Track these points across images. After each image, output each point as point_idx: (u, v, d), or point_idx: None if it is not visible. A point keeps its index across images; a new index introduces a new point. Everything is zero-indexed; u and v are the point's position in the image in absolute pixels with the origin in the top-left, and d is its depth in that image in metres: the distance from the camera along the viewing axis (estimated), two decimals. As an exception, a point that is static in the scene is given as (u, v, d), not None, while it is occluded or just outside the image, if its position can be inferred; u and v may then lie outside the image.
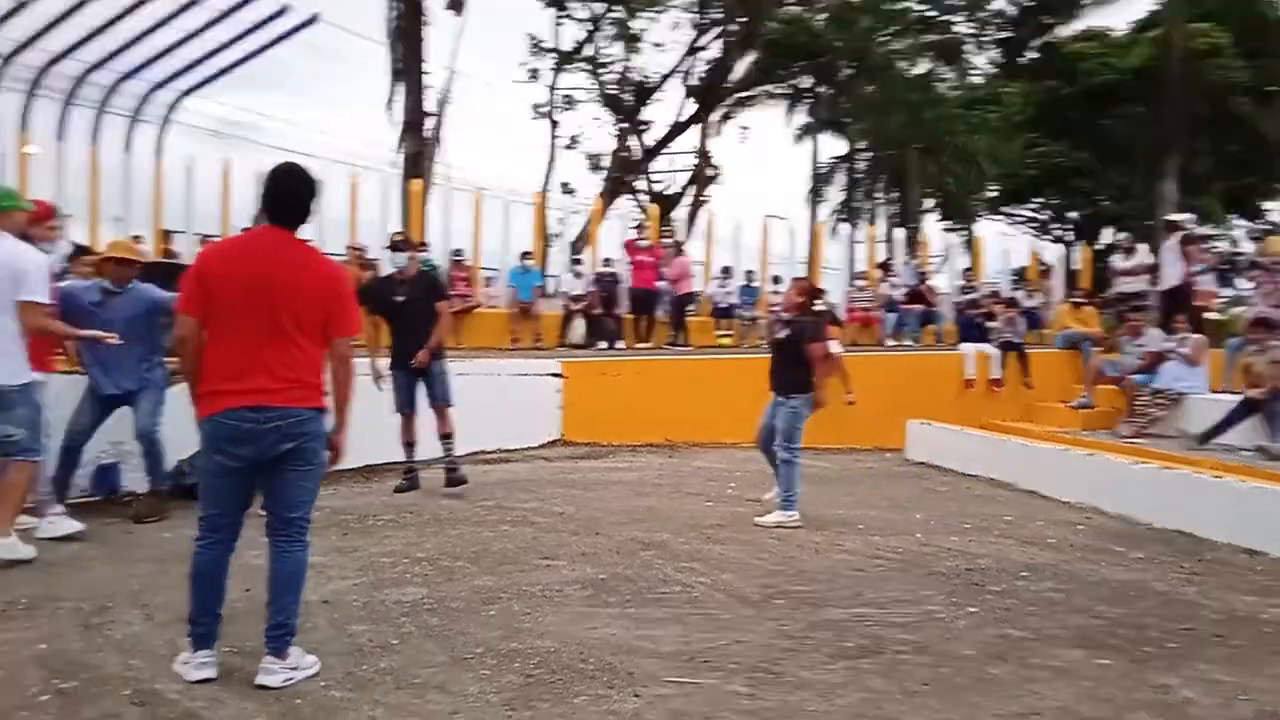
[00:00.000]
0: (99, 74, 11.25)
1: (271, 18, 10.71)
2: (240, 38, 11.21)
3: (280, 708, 3.38)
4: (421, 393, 7.45)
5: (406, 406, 7.42)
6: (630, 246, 14.83)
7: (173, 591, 4.67)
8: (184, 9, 10.37)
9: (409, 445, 7.54)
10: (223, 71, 11.74)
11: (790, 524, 6.71)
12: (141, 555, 5.45)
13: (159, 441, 6.29)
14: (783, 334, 7.12)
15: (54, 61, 10.68)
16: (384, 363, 7.40)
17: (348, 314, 3.78)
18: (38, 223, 5.70)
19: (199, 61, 11.42)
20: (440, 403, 7.47)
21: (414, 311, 7.35)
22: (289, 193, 3.70)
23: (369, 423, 7.11)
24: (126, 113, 12.00)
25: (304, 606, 4.47)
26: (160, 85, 11.76)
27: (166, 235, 13.56)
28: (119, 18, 10.15)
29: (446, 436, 7.53)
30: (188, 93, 12.23)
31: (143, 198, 12.54)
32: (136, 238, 12.65)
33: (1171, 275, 12.66)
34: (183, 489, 7.05)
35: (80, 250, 7.94)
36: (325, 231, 14.56)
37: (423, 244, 14.45)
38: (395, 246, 7.65)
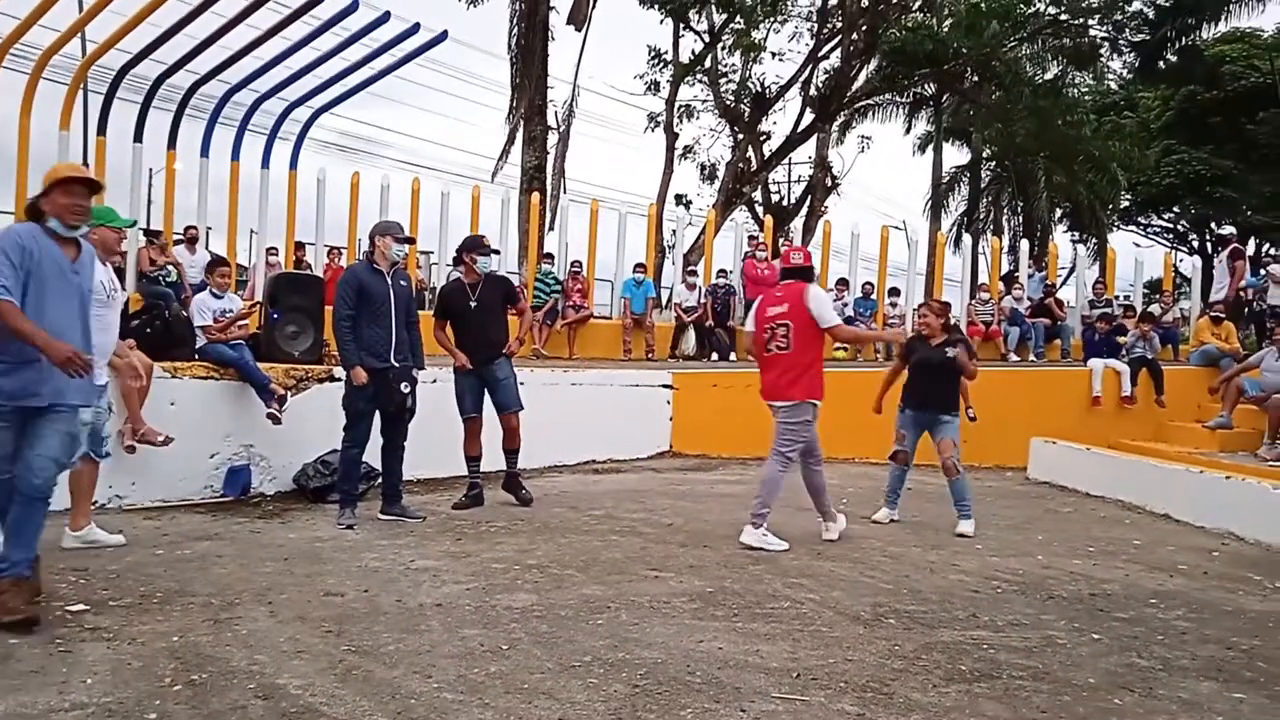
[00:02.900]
0: (240, 94, 11.87)
1: (403, 36, 11.04)
2: (373, 56, 11.61)
3: (395, 706, 3.47)
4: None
5: (472, 410, 7.21)
6: (749, 265, 14.67)
7: (296, 590, 4.90)
8: (320, 31, 10.80)
9: (473, 460, 7.32)
10: (357, 89, 12.16)
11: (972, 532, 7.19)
12: (267, 555, 5.70)
13: None
14: (952, 353, 7.29)
15: (200, 83, 11.29)
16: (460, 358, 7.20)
17: None
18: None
19: (334, 80, 11.89)
20: (509, 411, 7.26)
21: (486, 316, 7.23)
22: None
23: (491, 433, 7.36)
24: (264, 130, 12.57)
25: (418, 609, 4.63)
26: (297, 104, 12.28)
27: (299, 247, 14.20)
28: (259, 41, 10.65)
29: (513, 451, 7.35)
30: (322, 110, 12.72)
31: (278, 210, 13.07)
32: (271, 249, 13.28)
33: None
34: (307, 491, 7.41)
35: (217, 261, 8.32)
36: (449, 245, 14.98)
37: (548, 255, 14.74)
38: (487, 251, 7.36)
